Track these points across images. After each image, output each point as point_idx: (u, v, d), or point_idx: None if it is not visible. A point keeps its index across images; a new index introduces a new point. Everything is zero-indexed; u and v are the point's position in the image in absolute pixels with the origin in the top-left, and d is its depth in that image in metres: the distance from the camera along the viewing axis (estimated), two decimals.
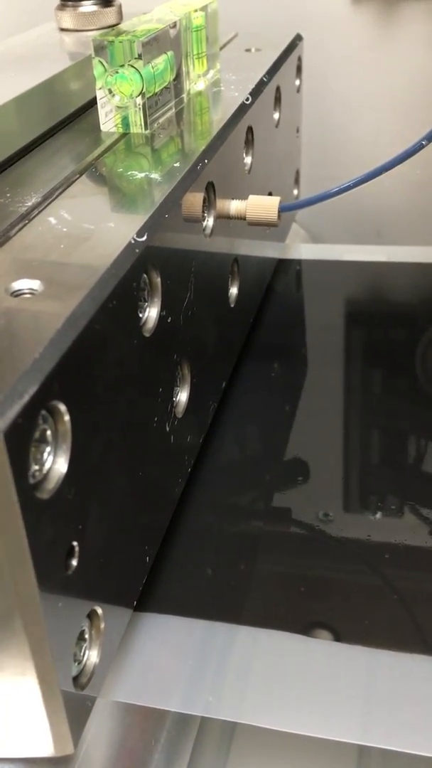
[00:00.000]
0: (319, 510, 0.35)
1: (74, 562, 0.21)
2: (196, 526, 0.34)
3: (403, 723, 0.26)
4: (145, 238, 0.25)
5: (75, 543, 0.21)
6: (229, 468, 0.38)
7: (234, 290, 0.38)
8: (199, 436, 0.34)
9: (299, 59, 0.51)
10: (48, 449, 0.20)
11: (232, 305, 0.38)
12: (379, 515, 0.35)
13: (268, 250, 0.47)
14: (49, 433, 0.20)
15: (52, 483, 0.20)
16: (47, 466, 0.20)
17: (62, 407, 0.20)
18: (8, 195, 0.28)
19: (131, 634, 0.29)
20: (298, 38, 0.51)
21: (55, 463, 0.20)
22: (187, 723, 0.29)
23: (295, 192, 0.55)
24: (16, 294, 0.22)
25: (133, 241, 0.24)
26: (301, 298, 0.54)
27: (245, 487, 0.37)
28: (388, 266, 0.55)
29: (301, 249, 0.57)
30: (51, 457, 0.20)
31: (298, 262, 0.56)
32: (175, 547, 0.33)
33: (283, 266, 0.54)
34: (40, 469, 0.20)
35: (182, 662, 0.28)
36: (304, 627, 0.30)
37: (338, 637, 0.29)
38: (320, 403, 0.42)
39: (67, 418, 0.20)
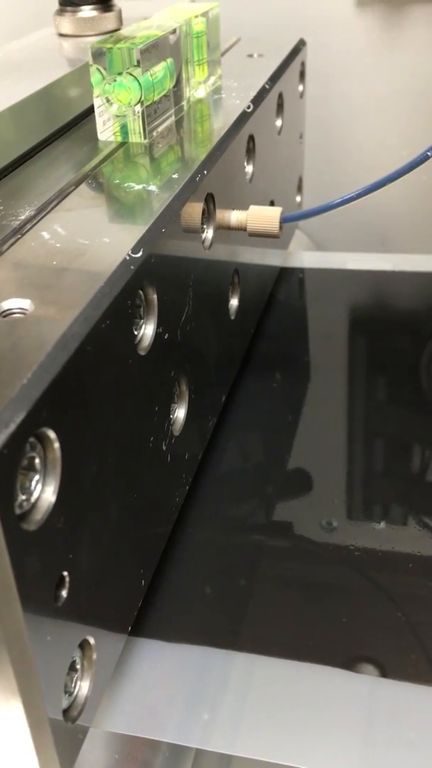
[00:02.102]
0: (322, 519, 0.34)
1: (64, 593, 0.21)
2: (194, 539, 0.33)
3: (405, 757, 0.26)
4: (140, 254, 0.24)
5: (65, 573, 0.21)
6: (230, 479, 0.37)
7: (234, 302, 0.37)
8: (198, 452, 0.33)
9: (302, 64, 0.50)
10: (36, 477, 0.19)
11: (233, 317, 0.37)
12: (382, 524, 0.34)
13: (270, 258, 0.46)
14: (37, 461, 0.19)
15: (40, 513, 0.19)
16: (35, 495, 0.19)
17: (52, 434, 0.19)
18: (1, 208, 0.27)
19: (125, 660, 0.28)
20: (302, 43, 0.50)
21: (44, 492, 0.19)
22: (182, 751, 0.28)
23: (298, 199, 0.54)
24: (6, 314, 0.21)
25: (128, 258, 0.24)
26: (303, 307, 0.53)
27: (247, 497, 0.36)
28: (392, 275, 0.55)
29: (304, 257, 0.56)
30: (39, 486, 0.19)
31: (301, 270, 0.55)
32: (172, 562, 0.32)
33: (286, 275, 0.54)
34: (28, 499, 0.19)
35: (177, 691, 0.27)
36: (312, 646, 0.29)
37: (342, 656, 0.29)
38: (323, 413, 0.42)
39: (56, 445, 0.19)
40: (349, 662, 0.28)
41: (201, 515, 0.35)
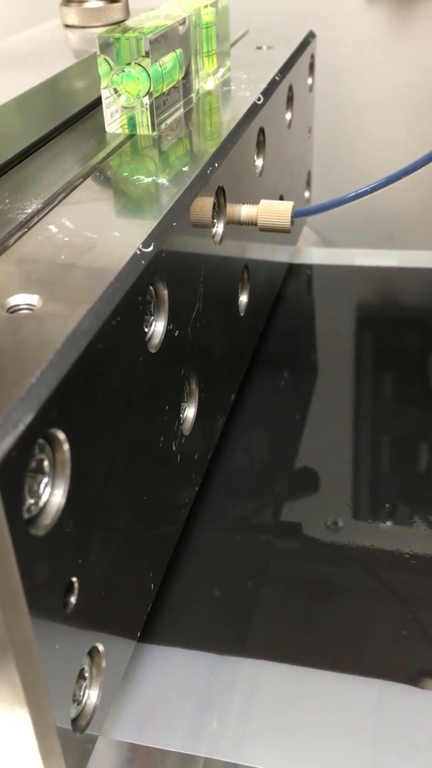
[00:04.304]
0: (328, 518, 0.34)
1: (73, 600, 0.20)
2: (201, 540, 0.33)
3: (413, 764, 0.25)
4: (151, 248, 0.23)
5: (74, 579, 0.20)
6: (237, 478, 0.37)
7: (244, 298, 0.36)
8: (207, 452, 0.33)
9: (312, 57, 0.49)
10: (45, 480, 0.18)
11: (242, 314, 0.36)
12: (389, 523, 0.34)
13: (279, 254, 0.46)
14: (46, 463, 0.18)
15: (49, 518, 0.18)
16: (44, 498, 0.18)
17: (61, 435, 0.18)
18: (7, 201, 0.26)
19: (134, 667, 0.27)
20: (311, 35, 0.49)
21: (53, 495, 0.19)
22: (191, 760, 0.27)
23: (307, 194, 0.53)
24: (13, 310, 0.20)
25: (138, 252, 0.23)
26: (311, 304, 0.52)
27: (253, 497, 0.36)
28: (400, 271, 0.54)
29: (312, 253, 0.56)
30: (48, 489, 0.18)
31: (309, 266, 0.54)
32: (180, 564, 0.31)
33: (294, 271, 0.53)
34: (36, 503, 0.18)
35: (185, 699, 0.27)
36: (313, 653, 0.28)
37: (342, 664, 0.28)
38: (331, 411, 0.41)
39: (66, 447, 0.18)
40: (356, 664, 0.28)
41: (207, 515, 0.34)
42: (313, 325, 0.50)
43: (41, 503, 0.18)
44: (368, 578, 0.31)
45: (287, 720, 0.26)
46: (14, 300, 0.21)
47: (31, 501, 0.18)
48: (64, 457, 0.19)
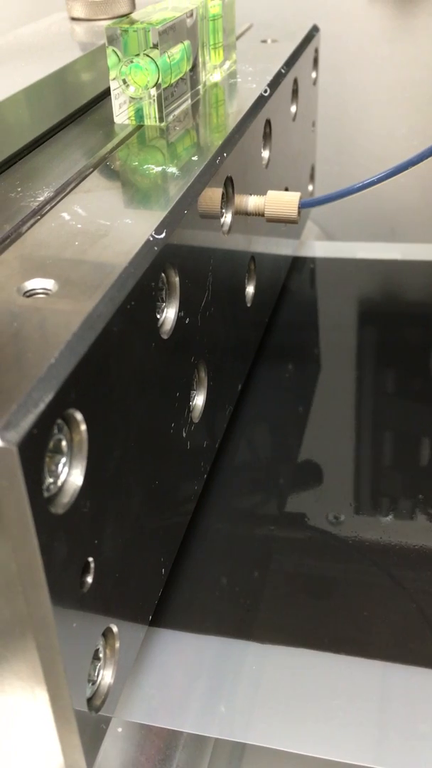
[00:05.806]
0: (330, 512, 0.34)
1: (89, 579, 0.20)
2: (208, 531, 0.33)
3: (419, 744, 0.25)
4: (164, 235, 0.24)
5: (90, 559, 0.20)
6: (241, 470, 0.37)
7: (251, 289, 0.37)
8: (215, 440, 0.33)
9: (316, 51, 0.50)
10: (63, 460, 0.19)
11: (249, 304, 0.37)
12: (390, 517, 0.34)
13: (283, 247, 0.46)
14: (64, 443, 0.19)
15: (68, 496, 0.19)
16: (62, 478, 0.19)
17: (78, 416, 0.19)
18: (19, 189, 0.27)
19: (145, 650, 0.28)
20: (315, 29, 0.49)
21: (71, 475, 0.19)
22: (201, 741, 0.28)
23: (310, 188, 0.53)
24: (29, 294, 0.21)
25: (151, 239, 0.23)
26: (314, 297, 0.52)
27: (257, 490, 0.36)
28: (402, 264, 0.54)
29: (315, 246, 0.56)
30: (66, 469, 0.19)
31: (312, 260, 0.54)
32: (188, 553, 0.32)
33: (297, 264, 0.53)
34: (55, 482, 0.18)
35: (196, 681, 0.27)
36: (318, 638, 0.29)
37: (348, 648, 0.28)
38: (334, 404, 0.41)
39: (83, 427, 0.19)
40: (359, 650, 0.28)
41: (212, 506, 0.34)
42: (317, 318, 0.50)
43: (60, 482, 0.18)
44: (369, 570, 0.31)
45: (294, 702, 0.27)
46: (30, 284, 0.21)
47: (50, 480, 0.18)
48: (82, 438, 0.19)
